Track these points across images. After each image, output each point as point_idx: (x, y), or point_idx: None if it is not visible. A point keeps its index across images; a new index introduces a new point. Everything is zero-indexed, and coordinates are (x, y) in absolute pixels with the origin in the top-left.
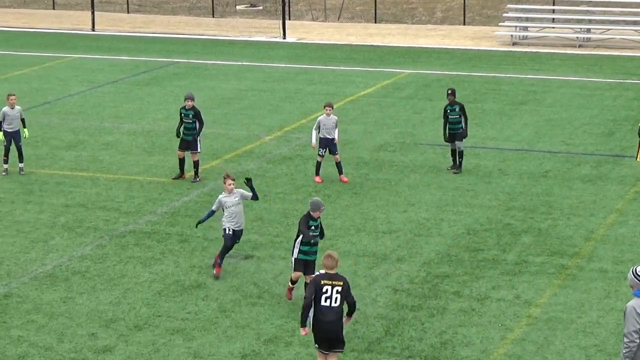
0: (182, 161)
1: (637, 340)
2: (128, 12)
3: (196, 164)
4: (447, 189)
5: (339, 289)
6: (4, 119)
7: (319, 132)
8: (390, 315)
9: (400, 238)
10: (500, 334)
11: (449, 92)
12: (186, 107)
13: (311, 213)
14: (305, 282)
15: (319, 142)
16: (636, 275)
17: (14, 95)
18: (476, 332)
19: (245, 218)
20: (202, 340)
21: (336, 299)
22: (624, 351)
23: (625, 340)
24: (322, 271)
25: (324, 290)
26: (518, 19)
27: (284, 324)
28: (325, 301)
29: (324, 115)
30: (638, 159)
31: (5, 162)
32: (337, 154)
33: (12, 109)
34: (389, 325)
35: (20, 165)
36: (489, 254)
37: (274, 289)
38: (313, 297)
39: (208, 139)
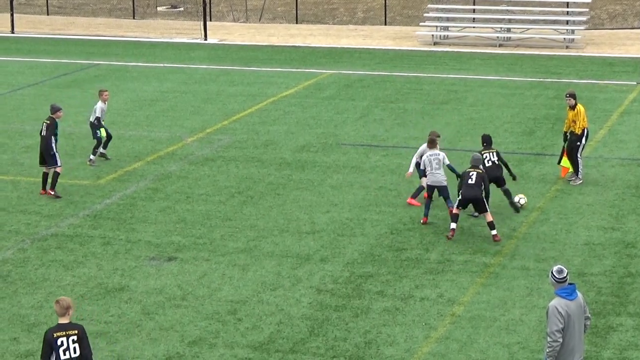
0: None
1: (560, 340)
2: (48, 14)
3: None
4: (370, 188)
5: (75, 338)
6: None
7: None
8: (314, 315)
9: (324, 238)
10: (424, 333)
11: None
12: (57, 119)
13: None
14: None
15: None
16: (553, 276)
17: None
18: (400, 331)
19: (167, 220)
20: (125, 343)
21: (74, 348)
22: (547, 350)
23: (549, 339)
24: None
25: (59, 343)
26: (439, 19)
27: (208, 326)
28: (65, 354)
29: None
30: (562, 164)
31: None
32: None
33: None
34: (313, 325)
35: None
36: (412, 253)
37: (197, 291)
38: (50, 355)
39: (129, 141)
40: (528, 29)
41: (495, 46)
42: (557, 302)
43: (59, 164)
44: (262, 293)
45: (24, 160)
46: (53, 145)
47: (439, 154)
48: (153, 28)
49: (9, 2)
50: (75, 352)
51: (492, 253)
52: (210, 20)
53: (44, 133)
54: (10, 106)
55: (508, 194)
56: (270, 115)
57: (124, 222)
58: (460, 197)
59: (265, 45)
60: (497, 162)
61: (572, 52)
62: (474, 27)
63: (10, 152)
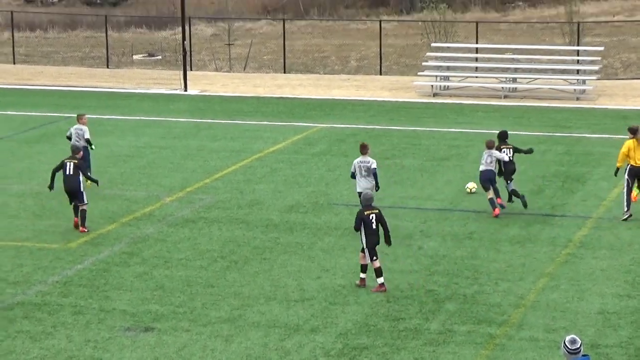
0: None
1: None
2: (14, 63)
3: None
4: None
5: None
6: None
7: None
8: None
9: (314, 307)
10: None
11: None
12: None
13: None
14: None
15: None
16: (565, 347)
17: None
18: None
19: (144, 287)
20: None
21: None
22: None
23: None
24: None
25: None
26: (439, 68)
27: None
28: None
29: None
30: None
31: None
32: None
33: None
34: None
35: None
36: (411, 323)
37: None
38: None
39: (103, 200)
40: (535, 79)
41: (500, 97)
42: None
43: (85, 201)
44: None
45: None
46: (81, 184)
47: (368, 161)
48: (128, 78)
49: None
50: None
51: (497, 323)
52: (191, 69)
53: (70, 172)
54: None
55: (515, 193)
56: (256, 173)
57: (96, 289)
58: (368, 247)
59: (251, 97)
60: (512, 159)
61: (584, 104)
62: (476, 77)
63: None
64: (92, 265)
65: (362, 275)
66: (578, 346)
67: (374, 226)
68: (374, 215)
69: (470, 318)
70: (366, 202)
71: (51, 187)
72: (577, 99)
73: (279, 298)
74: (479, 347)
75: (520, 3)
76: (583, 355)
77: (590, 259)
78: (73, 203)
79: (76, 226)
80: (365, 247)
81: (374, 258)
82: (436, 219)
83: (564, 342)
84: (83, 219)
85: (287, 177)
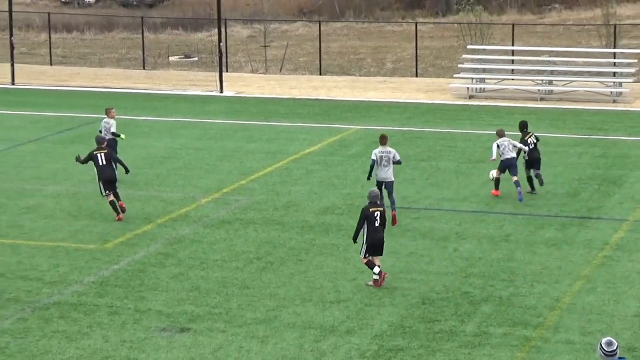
0: None
1: None
2: (51, 65)
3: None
4: (400, 254)
5: None
6: None
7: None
8: None
9: (350, 308)
10: None
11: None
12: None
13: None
14: None
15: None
16: (602, 349)
17: None
18: None
19: (180, 287)
20: None
21: None
22: None
23: None
24: None
25: None
26: (474, 70)
27: None
28: None
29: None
30: None
31: None
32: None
33: None
34: None
35: None
36: (446, 325)
37: None
38: None
39: (139, 201)
40: (571, 81)
41: (536, 100)
42: None
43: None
44: None
45: (24, 222)
46: (116, 172)
47: (389, 151)
48: (165, 79)
49: (9, 51)
50: None
51: (533, 325)
52: (227, 71)
53: (103, 162)
54: (10, 163)
55: (540, 177)
56: (291, 174)
57: (132, 290)
58: (366, 244)
59: (286, 98)
60: (536, 145)
61: (620, 107)
62: (512, 80)
63: (10, 214)
64: (128, 265)
65: (376, 270)
66: (614, 349)
67: (377, 223)
68: (378, 213)
69: (505, 320)
70: (373, 199)
71: (79, 159)
72: (614, 101)
73: (315, 299)
74: (514, 350)
75: (557, 5)
76: (619, 358)
77: (626, 262)
78: (111, 195)
79: (120, 211)
80: (364, 242)
81: (380, 255)
82: (472, 221)
83: (601, 345)
84: (119, 208)
85: (322, 179)
